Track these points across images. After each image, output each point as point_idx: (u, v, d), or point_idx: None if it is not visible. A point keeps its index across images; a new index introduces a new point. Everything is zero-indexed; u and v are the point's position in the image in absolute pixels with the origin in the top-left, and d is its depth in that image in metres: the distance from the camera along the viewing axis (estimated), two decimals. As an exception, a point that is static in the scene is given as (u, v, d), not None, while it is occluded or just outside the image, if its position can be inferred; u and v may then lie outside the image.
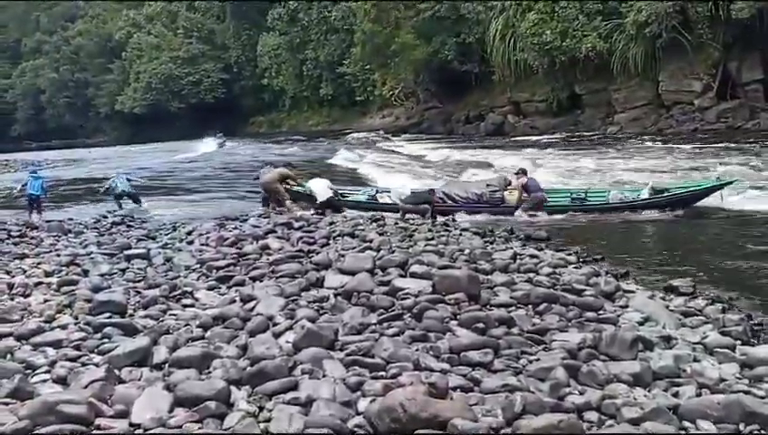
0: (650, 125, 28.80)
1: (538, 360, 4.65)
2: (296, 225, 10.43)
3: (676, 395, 4.18)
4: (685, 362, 4.64)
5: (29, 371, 4.64)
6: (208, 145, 41.56)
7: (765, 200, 12.04)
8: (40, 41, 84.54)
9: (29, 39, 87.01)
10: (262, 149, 38.02)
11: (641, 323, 5.53)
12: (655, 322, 5.56)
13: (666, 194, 12.45)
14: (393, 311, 5.65)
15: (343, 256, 7.67)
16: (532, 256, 8.00)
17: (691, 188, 12.53)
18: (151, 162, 32.43)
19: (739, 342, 5.06)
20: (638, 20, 26.83)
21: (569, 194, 13.18)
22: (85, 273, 7.74)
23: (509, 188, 13.24)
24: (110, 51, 72.42)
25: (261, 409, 3.99)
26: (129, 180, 16.61)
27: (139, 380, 4.47)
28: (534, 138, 30.89)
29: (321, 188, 13.93)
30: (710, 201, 12.23)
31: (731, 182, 12.52)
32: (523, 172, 13.17)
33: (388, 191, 14.81)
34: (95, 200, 17.57)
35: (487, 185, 13.38)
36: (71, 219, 12.74)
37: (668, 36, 26.62)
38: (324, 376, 4.36)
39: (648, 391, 4.24)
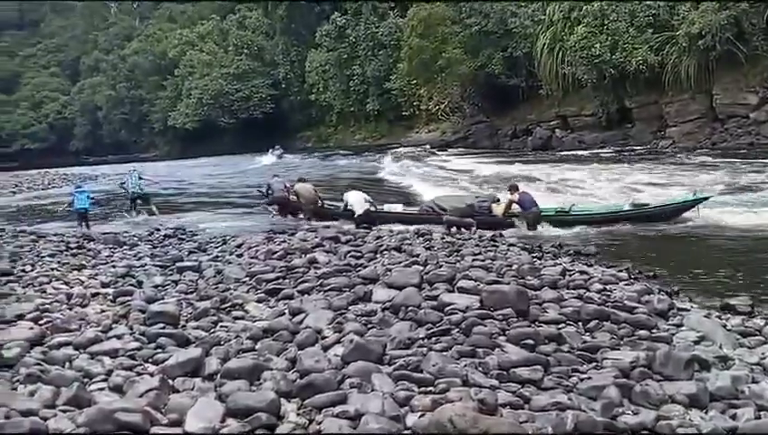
0: (704, 139, 28.07)
1: (589, 378, 4.57)
2: (343, 239, 10.52)
3: (733, 417, 4.06)
4: (743, 384, 4.51)
5: (87, 379, 4.77)
6: (269, 158, 42.74)
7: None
8: (97, 59, 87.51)
9: (87, 57, 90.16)
10: (319, 161, 38.74)
11: (697, 343, 5.39)
12: (711, 341, 5.41)
13: (643, 208, 13.00)
14: (441, 326, 5.64)
15: (390, 270, 7.69)
16: (581, 273, 7.87)
17: (669, 204, 13.09)
18: (210, 176, 33.10)
19: (800, 363, 4.89)
20: (691, 32, 26.30)
21: (554, 209, 13.67)
22: (139, 284, 7.95)
23: (496, 201, 13.74)
24: (163, 68, 74.35)
25: (310, 421, 4.03)
26: (140, 178, 17.02)
27: (192, 390, 4.55)
28: (582, 152, 30.49)
29: (358, 201, 14.18)
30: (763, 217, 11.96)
31: (707, 198, 12.86)
32: (515, 188, 13.37)
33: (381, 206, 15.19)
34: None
35: (476, 197, 14.08)
36: (125, 232, 13.09)
37: (722, 48, 25.99)
38: (373, 390, 4.37)
39: (705, 413, 4.14)
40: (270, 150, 44.46)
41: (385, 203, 15.49)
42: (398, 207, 15.12)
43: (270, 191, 16.00)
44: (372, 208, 14.34)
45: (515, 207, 13.14)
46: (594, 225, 12.73)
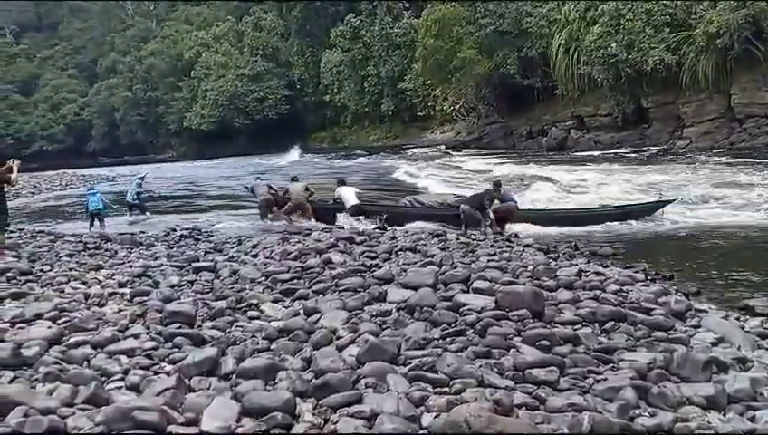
0: (722, 139, 27.84)
1: (605, 379, 4.54)
2: (358, 239, 10.54)
3: (752, 419, 4.03)
4: (762, 386, 4.46)
5: (104, 378, 4.80)
6: (292, 155, 44.45)
7: None
8: (114, 61, 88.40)
9: (105, 59, 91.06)
10: (341, 161, 39.22)
11: (715, 344, 5.33)
12: (729, 343, 5.35)
13: (610, 209, 13.53)
14: (456, 326, 5.64)
15: (405, 270, 7.71)
16: (597, 274, 7.83)
17: (635, 205, 13.65)
18: (226, 178, 33.27)
19: (820, 365, 4.83)
20: (709, 31, 26.09)
21: (528, 209, 14.13)
22: (156, 284, 7.99)
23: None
24: (179, 70, 74.91)
25: (326, 421, 4.04)
26: (140, 185, 17.28)
27: (208, 389, 4.57)
28: (598, 153, 30.32)
29: (349, 195, 14.59)
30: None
31: (672, 201, 13.38)
32: (498, 184, 13.67)
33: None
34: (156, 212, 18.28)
35: (453, 194, 14.85)
36: (142, 232, 13.18)
37: (740, 48, 25.78)
38: (388, 390, 4.37)
39: (723, 415, 4.10)
40: (290, 149, 45.95)
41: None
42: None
43: (253, 193, 16.07)
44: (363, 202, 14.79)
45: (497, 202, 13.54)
46: (564, 224, 12.98)
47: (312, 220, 14.63)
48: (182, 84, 73.95)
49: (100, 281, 8.28)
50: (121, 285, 7.94)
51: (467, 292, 6.64)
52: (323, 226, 13.53)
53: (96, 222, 15.15)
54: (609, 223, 12.94)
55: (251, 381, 4.53)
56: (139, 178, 17.95)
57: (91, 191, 15.84)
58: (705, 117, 29.02)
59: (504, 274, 7.51)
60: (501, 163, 28.26)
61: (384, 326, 5.84)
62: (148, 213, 17.36)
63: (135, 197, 17.25)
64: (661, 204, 13.19)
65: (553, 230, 12.60)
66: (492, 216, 12.71)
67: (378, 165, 33.84)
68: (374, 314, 6.23)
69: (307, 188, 15.19)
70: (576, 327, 5.66)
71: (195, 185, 30.70)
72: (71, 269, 8.97)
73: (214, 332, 5.88)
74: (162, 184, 31.26)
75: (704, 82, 27.78)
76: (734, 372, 4.68)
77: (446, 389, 4.40)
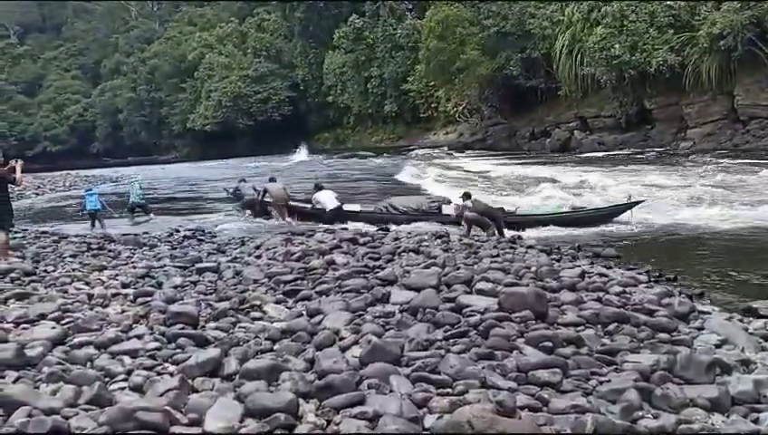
0: (725, 141, 27.80)
1: (609, 381, 4.54)
2: (361, 240, 10.54)
3: (756, 422, 4.02)
4: (765, 388, 4.44)
5: (108, 378, 4.80)
6: (300, 155, 45.64)
7: None
8: (118, 62, 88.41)
9: (108, 60, 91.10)
10: (352, 160, 39.52)
11: (718, 346, 5.32)
12: (733, 345, 5.34)
13: (580, 212, 13.52)
14: (459, 328, 5.64)
15: (408, 271, 7.71)
16: (600, 275, 7.83)
17: (604, 208, 13.68)
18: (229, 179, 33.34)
19: (824, 368, 4.81)
20: (713, 33, 26.06)
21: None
22: (159, 285, 8.00)
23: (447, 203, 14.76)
24: (183, 71, 74.91)
25: (329, 422, 4.04)
26: (141, 188, 17.49)
27: (211, 390, 4.56)
28: (601, 154, 30.29)
29: (328, 199, 14.90)
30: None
31: (639, 202, 13.34)
32: (468, 196, 13.43)
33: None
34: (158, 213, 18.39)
35: (428, 198, 15.30)
36: (146, 233, 13.20)
37: (744, 49, 25.74)
38: (391, 391, 4.37)
39: (727, 417, 4.09)
40: (297, 150, 47.05)
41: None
42: (357, 207, 15.72)
43: (239, 194, 16.84)
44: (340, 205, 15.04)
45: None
46: (535, 226, 13.04)
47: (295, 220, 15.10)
48: (185, 85, 74.01)
49: (104, 281, 8.29)
50: (125, 286, 7.96)
51: (470, 293, 6.64)
52: (325, 226, 13.57)
53: (96, 222, 15.26)
54: (581, 226, 12.89)
55: (254, 381, 4.53)
56: (136, 181, 18.07)
57: (89, 192, 16.06)
58: (709, 118, 28.99)
59: (507, 275, 7.50)
60: (504, 165, 28.23)
61: (387, 327, 5.84)
62: (151, 214, 17.50)
63: (141, 196, 17.42)
64: (630, 205, 13.14)
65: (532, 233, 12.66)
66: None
67: (382, 167, 33.73)
68: (377, 315, 6.23)
69: (284, 189, 15.72)
70: (579, 329, 5.66)
71: (198, 186, 30.73)
72: (74, 270, 9.00)
73: (217, 332, 5.89)
74: (165, 185, 31.32)
75: (707, 83, 27.75)
76: (737, 374, 4.68)
77: (449, 390, 4.39)
